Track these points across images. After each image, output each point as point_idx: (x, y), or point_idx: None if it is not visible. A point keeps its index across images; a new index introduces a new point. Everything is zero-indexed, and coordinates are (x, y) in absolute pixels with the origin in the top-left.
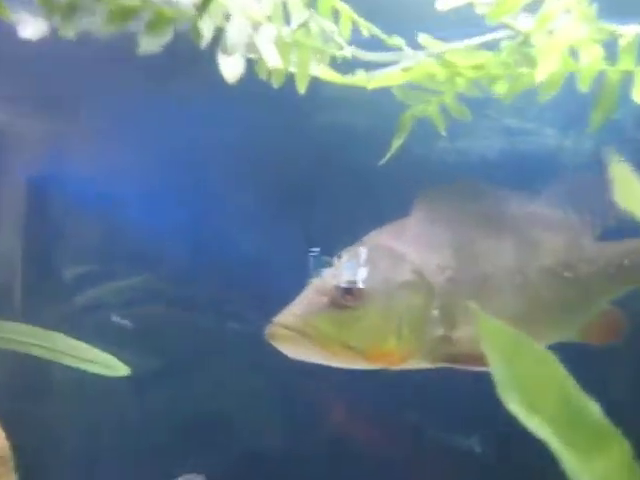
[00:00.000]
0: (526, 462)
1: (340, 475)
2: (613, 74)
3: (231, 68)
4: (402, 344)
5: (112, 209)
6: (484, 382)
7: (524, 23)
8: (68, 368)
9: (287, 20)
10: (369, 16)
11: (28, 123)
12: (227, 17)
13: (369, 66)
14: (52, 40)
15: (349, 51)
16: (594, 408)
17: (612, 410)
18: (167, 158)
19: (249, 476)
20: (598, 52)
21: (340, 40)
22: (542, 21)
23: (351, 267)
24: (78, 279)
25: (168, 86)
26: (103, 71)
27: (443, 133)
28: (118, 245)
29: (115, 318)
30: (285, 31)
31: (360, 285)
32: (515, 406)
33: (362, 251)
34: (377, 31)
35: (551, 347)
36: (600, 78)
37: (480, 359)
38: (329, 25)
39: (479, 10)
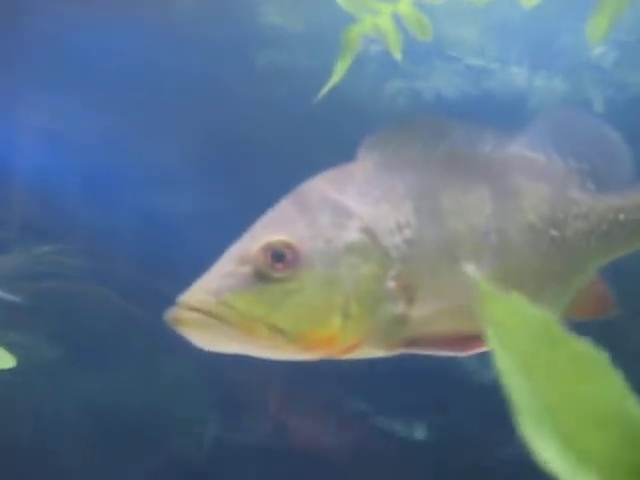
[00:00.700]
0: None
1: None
2: None
3: None
4: (349, 326)
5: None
6: None
7: None
8: None
9: None
10: None
11: None
12: None
13: None
14: None
15: None
16: None
17: None
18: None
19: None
20: None
21: None
22: None
23: (280, 224)
24: None
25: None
26: None
27: (398, 57)
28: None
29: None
30: None
31: (294, 248)
32: (541, 440)
33: (294, 203)
34: None
35: None
36: None
37: (448, 342)
38: None
39: None
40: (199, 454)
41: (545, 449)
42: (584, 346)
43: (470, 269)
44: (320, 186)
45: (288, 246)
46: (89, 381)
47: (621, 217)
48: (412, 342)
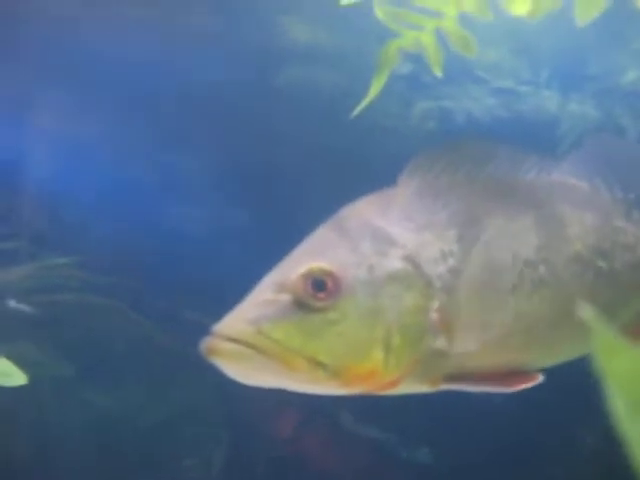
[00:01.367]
0: None
1: None
2: None
3: None
4: (391, 360)
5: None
6: None
7: None
8: None
9: None
10: None
11: None
12: None
13: None
14: None
15: None
16: None
17: None
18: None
19: None
20: None
21: None
22: None
23: (320, 250)
24: None
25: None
26: None
27: (439, 73)
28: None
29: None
30: None
31: (335, 276)
32: None
33: (335, 229)
34: None
35: None
36: None
37: (493, 378)
38: None
39: None
40: (209, 474)
41: None
42: None
43: (587, 311)
44: (361, 211)
45: (329, 274)
46: (100, 397)
47: None
48: (455, 377)
